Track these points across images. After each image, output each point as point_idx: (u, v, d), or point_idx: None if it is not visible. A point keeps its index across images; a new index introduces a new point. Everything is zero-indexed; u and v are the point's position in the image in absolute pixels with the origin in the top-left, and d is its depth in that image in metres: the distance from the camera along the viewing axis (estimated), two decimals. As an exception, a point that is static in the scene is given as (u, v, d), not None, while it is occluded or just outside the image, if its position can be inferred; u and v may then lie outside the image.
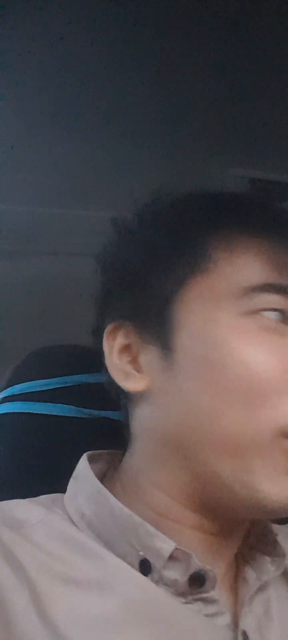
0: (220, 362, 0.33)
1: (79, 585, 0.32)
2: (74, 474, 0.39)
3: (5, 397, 0.66)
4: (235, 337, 0.33)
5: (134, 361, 0.38)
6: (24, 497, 0.39)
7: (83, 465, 0.39)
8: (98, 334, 0.40)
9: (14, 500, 0.38)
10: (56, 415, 0.58)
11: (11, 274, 0.84)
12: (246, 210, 0.39)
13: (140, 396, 0.37)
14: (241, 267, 0.35)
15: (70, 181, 0.71)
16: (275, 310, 0.34)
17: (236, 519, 0.36)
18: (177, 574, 0.32)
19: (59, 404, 0.59)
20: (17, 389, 0.63)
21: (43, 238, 0.78)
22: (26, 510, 0.36)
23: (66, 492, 0.39)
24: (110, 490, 0.36)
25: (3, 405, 0.66)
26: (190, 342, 0.35)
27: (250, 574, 0.36)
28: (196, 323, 0.35)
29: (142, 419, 0.38)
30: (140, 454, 0.37)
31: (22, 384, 0.63)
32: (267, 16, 0.46)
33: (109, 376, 0.38)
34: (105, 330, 0.39)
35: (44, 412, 0.60)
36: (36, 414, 0.60)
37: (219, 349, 0.33)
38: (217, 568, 0.34)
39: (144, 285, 0.38)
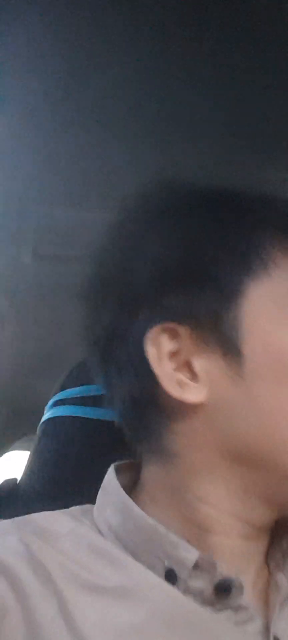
0: None
1: (107, 595, 0.31)
2: (102, 484, 0.39)
3: (57, 400, 0.67)
4: None
5: (185, 369, 0.34)
6: (71, 498, 0.39)
7: (110, 477, 0.38)
8: (127, 338, 0.36)
9: (47, 512, 0.37)
10: (107, 421, 0.58)
11: (63, 278, 0.86)
12: None
13: (191, 409, 0.34)
14: None
15: (114, 186, 0.71)
16: None
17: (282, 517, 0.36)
18: (202, 583, 0.32)
19: (109, 409, 0.58)
20: (68, 393, 0.64)
21: (89, 242, 0.79)
22: (56, 521, 0.36)
23: (96, 503, 0.38)
24: (138, 501, 0.35)
25: (54, 408, 0.66)
26: (262, 348, 0.33)
27: (282, 580, 0.35)
28: (266, 326, 0.34)
29: (191, 433, 0.35)
30: (184, 470, 0.35)
31: (73, 389, 0.63)
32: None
33: (134, 385, 0.35)
34: (149, 334, 0.34)
35: (95, 417, 0.60)
36: (86, 418, 0.59)
37: None
38: (247, 574, 0.34)
39: (200, 280, 0.34)
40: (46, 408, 0.69)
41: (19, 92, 0.61)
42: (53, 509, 0.38)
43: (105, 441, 0.55)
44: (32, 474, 0.64)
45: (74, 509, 0.38)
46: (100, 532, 0.35)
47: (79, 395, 0.64)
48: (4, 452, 1.72)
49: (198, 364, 0.34)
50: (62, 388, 0.66)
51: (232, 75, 0.54)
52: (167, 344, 0.34)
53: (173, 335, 0.34)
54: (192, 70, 0.53)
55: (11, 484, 0.65)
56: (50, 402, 0.68)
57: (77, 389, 0.64)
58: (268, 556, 0.37)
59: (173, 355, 0.34)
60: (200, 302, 0.34)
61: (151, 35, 0.49)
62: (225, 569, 0.32)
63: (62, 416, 0.64)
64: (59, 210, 0.79)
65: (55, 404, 0.67)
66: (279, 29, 0.49)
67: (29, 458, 0.67)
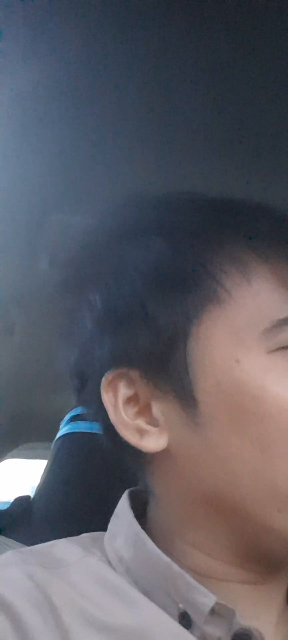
0: (258, 410, 0.29)
1: (115, 634, 0.29)
2: (115, 511, 0.36)
3: (74, 415, 0.65)
4: (269, 380, 0.29)
5: (144, 413, 0.32)
6: (89, 520, 0.37)
7: (123, 503, 0.35)
8: (88, 384, 0.34)
9: (53, 540, 0.35)
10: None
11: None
12: (262, 226, 0.32)
13: (157, 454, 0.31)
14: (265, 299, 0.30)
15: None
16: None
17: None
18: (219, 631, 0.29)
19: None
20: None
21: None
22: (64, 549, 0.33)
23: (107, 531, 0.35)
24: (151, 533, 0.32)
25: (71, 424, 0.65)
26: (214, 389, 0.30)
27: None
28: (218, 365, 0.30)
29: (166, 479, 0.32)
30: (170, 514, 0.33)
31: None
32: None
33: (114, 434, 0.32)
34: (103, 381, 0.32)
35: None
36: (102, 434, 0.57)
37: (253, 396, 0.29)
38: (267, 617, 0.31)
39: (146, 320, 0.31)
40: (62, 423, 0.67)
41: (32, 101, 0.60)
42: (69, 531, 0.36)
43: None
44: (47, 491, 0.62)
45: (84, 536, 0.35)
46: (110, 563, 0.33)
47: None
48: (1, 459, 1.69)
49: (156, 407, 0.31)
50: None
51: (231, 85, 0.53)
52: (124, 389, 0.32)
53: (129, 380, 0.32)
54: (192, 78, 0.52)
55: (24, 502, 0.62)
56: (67, 417, 0.66)
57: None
58: None
59: (130, 400, 0.32)
60: (146, 342, 0.31)
61: (151, 44, 0.48)
62: (244, 617, 0.29)
63: (79, 432, 0.62)
64: (75, 217, 0.78)
65: (72, 419, 0.65)
66: (281, 39, 0.48)
67: (43, 474, 0.64)
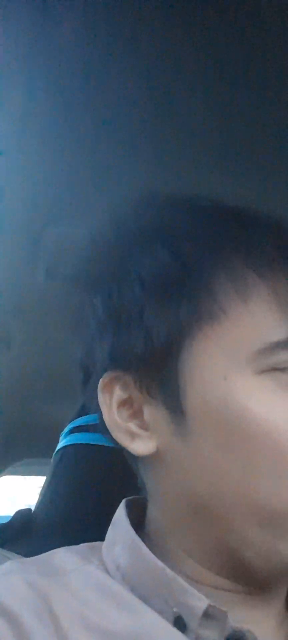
0: (243, 429, 0.29)
1: (114, 638, 0.29)
2: (113, 520, 0.36)
3: (75, 427, 0.64)
4: (254, 401, 0.30)
5: (136, 417, 0.32)
6: (90, 532, 0.37)
7: (120, 512, 0.35)
8: (91, 381, 0.35)
9: (53, 550, 0.35)
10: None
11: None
12: (266, 243, 0.32)
13: (151, 457, 0.32)
14: (260, 320, 0.30)
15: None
16: None
17: (274, 582, 0.32)
18: (213, 633, 0.29)
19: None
20: (88, 419, 0.61)
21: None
22: (62, 558, 0.34)
23: (105, 540, 0.35)
24: (147, 540, 0.33)
25: (72, 435, 0.64)
26: (202, 405, 0.30)
27: None
28: (207, 382, 0.30)
29: (157, 481, 0.33)
30: (163, 516, 0.33)
31: (92, 415, 0.61)
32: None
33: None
34: (100, 382, 0.33)
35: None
36: (109, 447, 0.57)
37: (239, 414, 0.30)
38: (265, 621, 0.32)
39: (142, 326, 0.31)
40: (62, 435, 0.66)
41: (33, 115, 0.61)
42: (70, 543, 0.36)
43: (128, 472, 0.53)
44: (48, 504, 0.61)
45: (82, 546, 0.36)
46: (107, 571, 0.33)
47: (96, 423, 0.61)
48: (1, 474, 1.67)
49: (148, 412, 0.32)
50: (81, 414, 0.63)
51: (230, 86, 0.54)
52: (118, 392, 0.33)
53: (125, 384, 0.33)
54: (192, 81, 0.52)
55: (25, 515, 0.62)
56: (67, 428, 0.66)
57: (95, 415, 0.62)
58: None
59: (125, 403, 0.33)
60: (141, 350, 0.31)
61: (151, 48, 0.49)
62: (240, 621, 0.29)
63: (79, 444, 0.62)
64: (74, 229, 0.78)
65: (73, 430, 0.64)
66: (281, 41, 0.48)
67: (43, 487, 0.64)
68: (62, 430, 0.67)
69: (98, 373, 0.33)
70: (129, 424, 0.32)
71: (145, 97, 0.54)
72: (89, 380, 0.35)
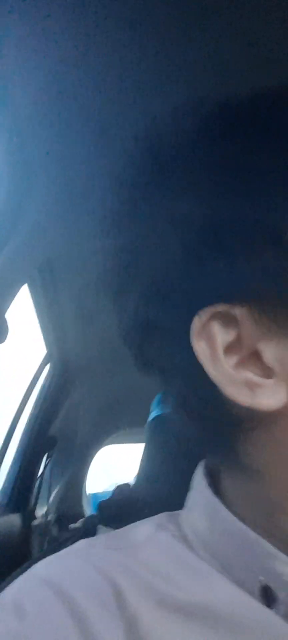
0: None
1: (186, 613, 0.26)
2: (191, 484, 0.32)
3: (163, 396, 0.62)
4: None
5: (252, 363, 0.25)
6: (181, 497, 0.33)
7: (198, 475, 0.31)
8: (162, 332, 0.27)
9: (132, 524, 0.32)
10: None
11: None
12: None
13: (268, 414, 0.25)
14: None
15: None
16: None
17: None
18: None
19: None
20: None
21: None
22: (136, 530, 0.31)
23: (184, 505, 0.32)
24: (228, 503, 0.28)
25: (162, 405, 0.62)
26: None
27: None
28: None
29: (274, 445, 0.26)
30: (271, 488, 0.26)
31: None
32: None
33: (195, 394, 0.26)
34: (195, 324, 0.25)
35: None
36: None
37: None
38: None
39: (264, 238, 0.24)
40: (152, 405, 0.64)
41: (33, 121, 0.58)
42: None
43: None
44: (144, 477, 0.60)
45: (161, 515, 0.32)
46: (185, 538, 0.29)
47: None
48: (99, 447, 1.75)
49: (270, 353, 0.24)
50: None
51: None
52: (221, 334, 0.25)
53: (228, 320, 0.25)
54: None
55: (125, 490, 0.61)
56: (156, 398, 0.64)
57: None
58: None
59: (230, 348, 0.25)
60: (266, 269, 0.24)
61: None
62: None
63: (169, 413, 0.60)
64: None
65: (162, 400, 0.62)
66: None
67: (141, 461, 0.63)
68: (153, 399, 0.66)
69: (173, 318, 0.26)
70: (246, 373, 0.25)
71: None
72: (149, 339, 0.28)
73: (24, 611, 0.25)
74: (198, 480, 0.31)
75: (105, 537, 0.31)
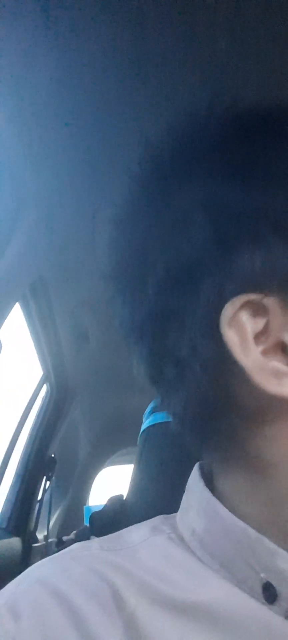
0: None
1: (185, 613, 0.26)
2: (187, 485, 0.32)
3: (155, 406, 0.62)
4: None
5: (276, 353, 0.25)
6: (173, 505, 0.33)
7: (194, 475, 0.31)
8: (184, 322, 0.26)
9: (127, 528, 0.32)
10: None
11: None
12: None
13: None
14: None
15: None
16: None
17: None
18: None
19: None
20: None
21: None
22: (132, 532, 0.31)
23: (180, 507, 0.32)
24: (226, 502, 0.28)
25: (153, 415, 0.62)
26: None
27: None
28: None
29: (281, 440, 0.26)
30: (285, 481, 0.26)
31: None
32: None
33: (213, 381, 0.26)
34: (227, 312, 0.25)
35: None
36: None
37: None
38: None
39: None
40: (144, 416, 0.65)
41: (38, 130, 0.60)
42: None
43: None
44: (137, 487, 0.60)
45: (157, 518, 0.32)
46: (181, 539, 0.29)
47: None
48: (100, 468, 1.73)
49: None
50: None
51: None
52: (251, 323, 0.25)
53: (257, 309, 0.25)
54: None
55: (117, 502, 0.61)
56: (148, 408, 0.64)
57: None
58: None
59: (257, 337, 0.25)
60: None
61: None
62: None
63: (163, 422, 0.60)
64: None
65: (154, 410, 0.62)
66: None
67: (133, 472, 0.63)
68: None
69: (197, 307, 0.26)
70: (273, 362, 0.25)
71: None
72: (164, 330, 0.28)
73: (20, 612, 0.25)
74: (195, 481, 0.31)
75: (99, 541, 0.31)
